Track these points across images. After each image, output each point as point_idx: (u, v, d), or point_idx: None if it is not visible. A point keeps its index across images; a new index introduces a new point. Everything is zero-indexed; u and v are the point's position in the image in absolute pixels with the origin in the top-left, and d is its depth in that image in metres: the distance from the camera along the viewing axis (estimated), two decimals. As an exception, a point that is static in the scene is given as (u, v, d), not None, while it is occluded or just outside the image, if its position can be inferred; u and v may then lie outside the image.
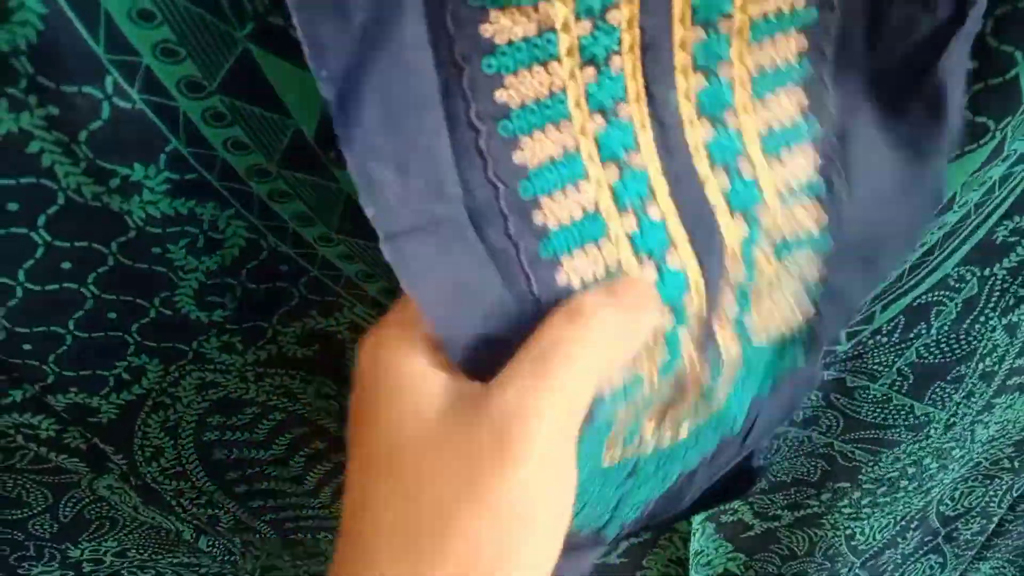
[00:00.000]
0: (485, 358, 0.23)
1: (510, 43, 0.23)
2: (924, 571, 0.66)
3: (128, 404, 0.37)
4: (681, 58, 0.25)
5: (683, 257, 0.27)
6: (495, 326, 0.24)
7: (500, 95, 0.23)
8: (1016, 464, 0.57)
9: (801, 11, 0.26)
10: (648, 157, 0.25)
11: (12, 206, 0.27)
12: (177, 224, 0.29)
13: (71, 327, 0.31)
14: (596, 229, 0.25)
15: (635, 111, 0.25)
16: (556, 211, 0.24)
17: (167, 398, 0.37)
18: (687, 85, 0.25)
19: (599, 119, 0.24)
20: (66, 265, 0.29)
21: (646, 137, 0.25)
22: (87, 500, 0.47)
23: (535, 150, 0.24)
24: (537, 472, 0.21)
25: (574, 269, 0.25)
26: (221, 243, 0.30)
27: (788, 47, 0.26)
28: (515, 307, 0.24)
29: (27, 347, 0.31)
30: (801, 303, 0.30)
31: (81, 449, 0.41)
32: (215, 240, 0.30)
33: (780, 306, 0.30)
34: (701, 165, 0.26)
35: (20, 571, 0.51)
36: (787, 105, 0.27)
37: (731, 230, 0.27)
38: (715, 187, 0.26)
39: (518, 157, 0.24)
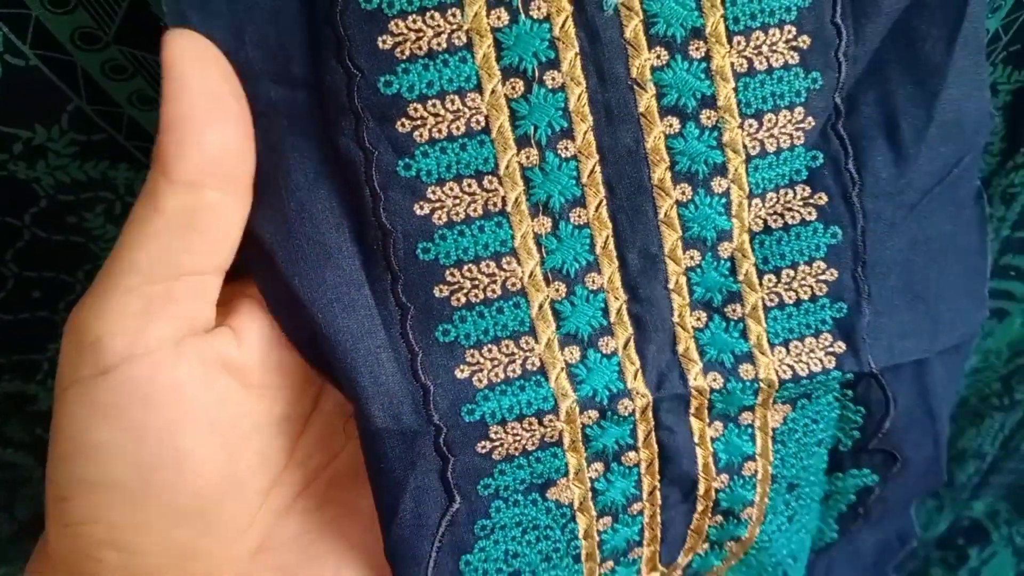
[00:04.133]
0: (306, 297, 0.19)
1: None
2: (921, 517, 0.65)
3: (66, 389, 0.35)
4: None
5: (594, 218, 0.20)
6: (312, 252, 0.19)
7: None
8: (1006, 401, 0.56)
9: None
10: (570, 75, 0.19)
11: (-90, 182, 0.25)
12: (90, 190, 0.27)
13: (-7, 309, 0.30)
14: (481, 156, 0.19)
15: (555, 9, 0.19)
16: (428, 121, 0.19)
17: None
18: None
19: (502, 14, 0.18)
20: (-21, 242, 0.28)
21: (569, 48, 0.19)
22: (43, 496, 0.46)
23: (407, 35, 0.18)
24: None
25: (441, 203, 0.19)
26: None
27: None
28: (347, 232, 0.19)
29: (-52, 333, 0.30)
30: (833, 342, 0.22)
31: (25, 442, 0.39)
32: (133, 205, 0.28)
33: (799, 348, 0.22)
34: (644, 100, 0.20)
35: (-18, 575, 0.50)
36: (775, 41, 0.20)
37: (670, 201, 0.20)
38: (659, 138, 0.20)
39: (384, 41, 0.18)
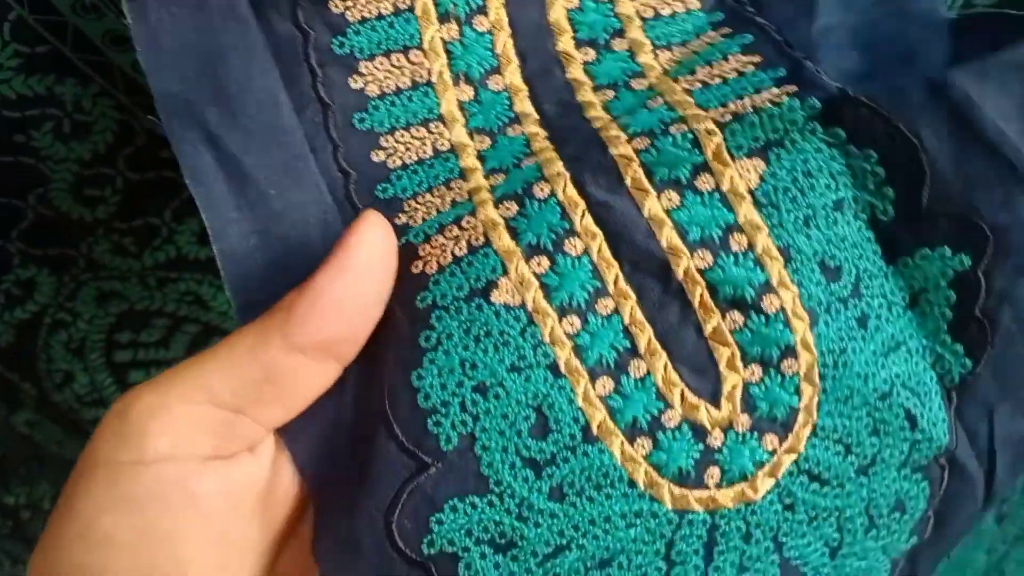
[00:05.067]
0: (244, 165, 0.20)
1: None
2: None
3: (24, 324, 0.35)
4: None
5: (510, 83, 0.23)
6: (258, 130, 0.20)
7: None
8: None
9: None
10: None
11: None
12: (37, 106, 0.26)
13: (-57, 237, 0.30)
14: (407, 32, 0.22)
15: None
16: (359, 2, 0.21)
17: (66, 314, 0.35)
18: None
19: None
20: (-76, 164, 0.27)
21: None
22: (8, 440, 0.46)
23: None
24: None
25: (373, 76, 0.22)
26: (90, 127, 0.28)
27: None
28: (288, 108, 0.21)
29: None
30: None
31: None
32: (83, 123, 0.28)
33: (719, 68, 0.23)
34: None
35: (-49, 524, 0.50)
36: None
37: (576, 62, 0.23)
38: (560, 11, 0.23)
39: None
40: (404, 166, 0.22)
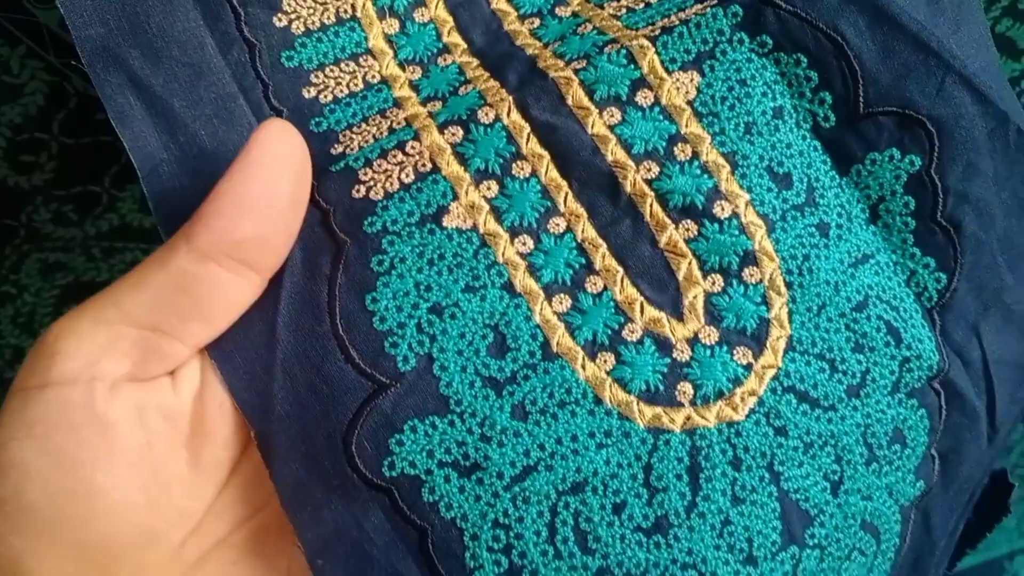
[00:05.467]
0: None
1: None
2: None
3: (-32, 298, 0.34)
4: None
5: (436, 15, 0.23)
6: (183, 71, 0.20)
7: None
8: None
9: None
10: None
11: None
12: (-37, 68, 0.26)
13: None
14: None
15: None
16: None
17: (11, 287, 0.35)
18: None
19: None
20: None
21: None
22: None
23: None
24: None
25: (297, 14, 0.22)
26: (20, 89, 0.28)
27: None
28: (212, 48, 0.21)
29: None
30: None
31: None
32: (12, 86, 0.27)
33: None
34: None
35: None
36: None
37: None
38: None
39: None
40: (336, 100, 0.22)
